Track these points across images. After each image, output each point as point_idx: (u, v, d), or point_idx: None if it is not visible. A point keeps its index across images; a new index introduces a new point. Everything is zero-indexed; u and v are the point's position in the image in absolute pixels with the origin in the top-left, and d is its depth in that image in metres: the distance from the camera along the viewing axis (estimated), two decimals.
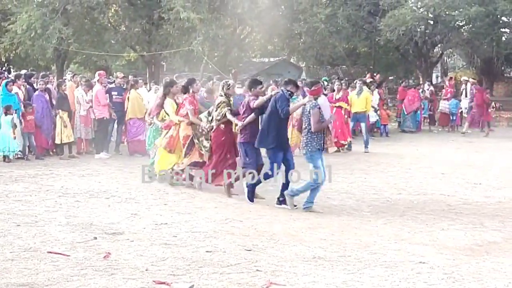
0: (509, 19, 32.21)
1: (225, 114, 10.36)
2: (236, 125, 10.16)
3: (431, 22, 30.78)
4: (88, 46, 28.38)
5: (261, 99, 9.88)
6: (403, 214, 9.36)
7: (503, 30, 32.71)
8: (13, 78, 15.74)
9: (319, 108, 9.21)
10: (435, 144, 19.57)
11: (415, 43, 30.48)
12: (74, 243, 7.18)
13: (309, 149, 9.27)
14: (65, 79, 17.55)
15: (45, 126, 14.61)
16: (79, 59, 32.79)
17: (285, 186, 9.65)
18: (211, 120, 10.59)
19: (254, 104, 9.87)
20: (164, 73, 30.39)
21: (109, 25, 30.33)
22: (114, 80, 17.20)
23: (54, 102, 15.12)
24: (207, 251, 6.98)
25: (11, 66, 31.83)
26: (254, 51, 38.34)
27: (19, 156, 14.23)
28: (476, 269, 6.56)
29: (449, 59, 45.73)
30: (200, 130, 10.74)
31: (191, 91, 11.23)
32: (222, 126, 10.48)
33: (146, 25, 28.06)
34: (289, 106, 9.55)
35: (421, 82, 28.57)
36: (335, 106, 16.46)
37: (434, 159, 15.65)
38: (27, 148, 14.44)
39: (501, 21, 31.70)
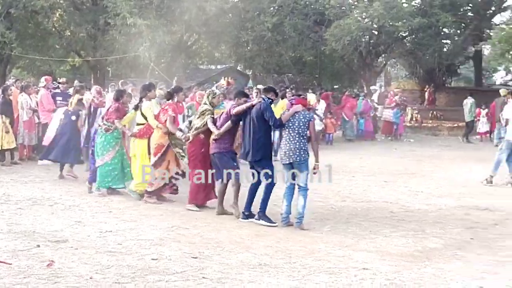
0: (450, 31, 33.12)
1: (205, 123, 9.87)
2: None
3: (376, 33, 31.32)
4: (32, 51, 27.93)
5: (241, 106, 9.44)
6: (347, 221, 9.51)
7: (444, 41, 33.57)
8: None
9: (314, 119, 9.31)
10: (378, 152, 19.89)
11: (360, 53, 30.93)
12: (16, 251, 7.06)
13: (307, 155, 9.01)
14: (10, 84, 17.17)
15: None
16: (22, 63, 32.20)
17: (252, 200, 9.31)
18: (191, 129, 10.14)
19: (233, 111, 9.48)
20: (109, 79, 30.04)
21: (53, 29, 29.84)
22: (59, 85, 16.92)
23: None
24: (152, 259, 6.96)
25: None
26: (201, 58, 38.30)
27: None
28: (417, 275, 6.72)
29: (393, 69, 46.64)
30: (184, 141, 10.19)
31: (175, 99, 10.80)
32: (202, 136, 9.97)
33: (92, 30, 27.72)
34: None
35: (365, 91, 28.98)
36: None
37: (377, 167, 15.92)
38: None
39: (442, 33, 32.56)
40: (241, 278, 6.36)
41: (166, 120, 10.35)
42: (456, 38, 33.09)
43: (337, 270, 6.81)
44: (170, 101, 10.75)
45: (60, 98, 15.59)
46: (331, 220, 9.59)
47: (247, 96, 10.03)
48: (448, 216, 10.11)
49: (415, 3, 31.10)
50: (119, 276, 6.24)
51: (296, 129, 9.00)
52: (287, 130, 9.10)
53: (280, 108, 15.54)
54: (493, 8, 33.80)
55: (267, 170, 9.11)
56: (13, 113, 14.68)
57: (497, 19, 35.28)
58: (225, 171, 9.43)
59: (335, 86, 40.53)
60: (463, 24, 33.80)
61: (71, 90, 16.15)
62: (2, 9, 24.78)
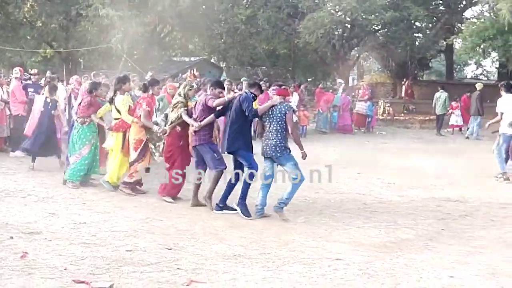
0: (422, 25, 33.41)
1: (179, 116, 9.79)
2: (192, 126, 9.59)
3: (348, 26, 31.52)
4: (3, 42, 27.61)
5: (222, 99, 9.40)
6: (321, 213, 9.59)
7: (416, 35, 33.87)
8: None
9: (293, 110, 9.27)
10: (351, 145, 20.04)
11: (333, 46, 31.09)
12: None
13: (286, 150, 8.97)
14: None
15: None
16: None
17: (229, 193, 9.33)
18: (167, 123, 10.08)
19: (214, 103, 9.34)
20: (81, 70, 29.84)
21: (24, 20, 29.57)
22: (30, 77, 16.74)
23: None
24: (127, 250, 6.96)
25: None
26: (174, 50, 38.27)
27: None
28: (389, 265, 6.81)
29: (365, 62, 46.97)
30: (159, 135, 10.16)
31: (150, 92, 10.71)
32: (178, 128, 9.87)
33: (64, 21, 27.55)
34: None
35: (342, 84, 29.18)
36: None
37: (350, 160, 16.04)
38: None
39: (414, 26, 32.86)
40: (215, 269, 6.40)
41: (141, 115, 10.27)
42: (428, 32, 33.42)
43: (310, 261, 6.87)
44: (145, 94, 10.62)
45: (32, 90, 15.41)
46: (305, 211, 9.66)
47: (222, 87, 9.99)
48: (420, 208, 10.24)
49: None
50: (94, 268, 6.23)
51: (274, 123, 9.01)
52: (266, 123, 9.14)
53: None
54: (464, 2, 34.19)
55: (245, 158, 9.13)
56: None
57: (468, 13, 35.82)
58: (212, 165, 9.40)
59: (308, 79, 40.71)
60: (434, 18, 34.18)
61: (42, 81, 16.06)
62: None
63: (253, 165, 9.08)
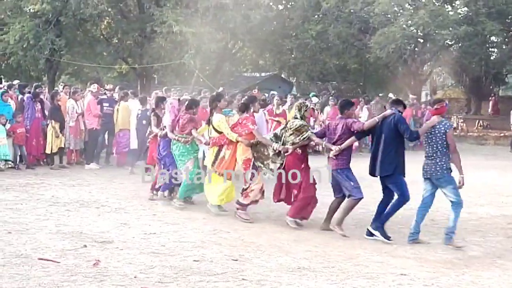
0: (497, 39, 32.67)
1: (307, 138, 9.42)
2: (329, 150, 9.11)
3: (421, 41, 31.13)
4: (80, 58, 28.61)
5: (373, 120, 8.98)
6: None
7: (491, 49, 33.15)
8: (6, 88, 15.88)
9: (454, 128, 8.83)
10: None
11: (405, 61, 30.77)
12: (64, 250, 7.34)
13: (447, 171, 8.64)
14: (58, 90, 17.68)
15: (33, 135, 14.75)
16: (70, 70, 33.01)
17: (380, 215, 8.91)
18: (282, 144, 9.53)
19: (365, 125, 8.94)
20: (155, 86, 30.56)
21: (101, 37, 30.59)
22: (106, 92, 17.34)
23: (46, 112, 15.23)
24: (194, 260, 7.15)
25: (1, 76, 31.93)
26: (245, 66, 38.71)
27: (10, 165, 14.32)
28: (455, 282, 6.76)
29: (438, 77, 46.18)
30: (266, 153, 9.66)
31: (251, 109, 10.23)
32: (299, 151, 9.49)
33: (139, 38, 28.31)
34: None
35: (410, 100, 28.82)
36: (275, 121, 15.49)
37: (420, 175, 15.79)
38: (18, 157, 14.56)
39: (489, 41, 32.14)
40: (280, 281, 6.50)
41: (245, 135, 9.80)
42: (504, 47, 32.60)
43: (375, 275, 6.89)
44: (246, 113, 10.12)
45: (107, 104, 15.98)
46: None
47: (352, 104, 9.59)
48: (489, 225, 10.07)
49: (461, 11, 30.83)
50: (162, 276, 6.45)
51: (433, 143, 8.61)
52: (426, 143, 8.74)
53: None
54: None
55: (397, 185, 8.78)
56: (63, 118, 15.07)
57: None
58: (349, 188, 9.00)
59: (380, 94, 40.36)
60: (511, 32, 33.33)
61: (116, 96, 16.60)
62: (52, 17, 25.47)
63: (405, 195, 8.78)
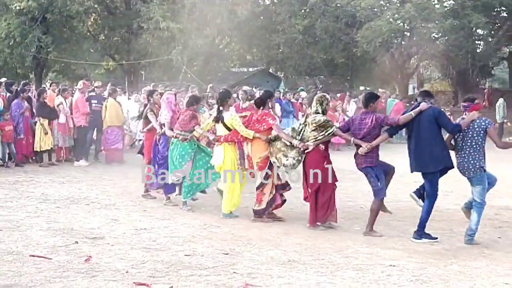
0: (483, 32, 32.88)
1: (331, 133, 9.02)
2: (359, 146, 8.69)
3: (407, 34, 31.29)
4: (67, 55, 28.52)
5: (408, 115, 8.52)
6: (376, 221, 9.59)
7: (477, 42, 33.36)
8: None
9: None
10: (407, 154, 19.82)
11: (392, 55, 30.92)
12: (56, 247, 7.37)
13: (481, 170, 8.36)
14: (45, 87, 17.65)
15: (21, 134, 14.70)
16: (57, 67, 32.86)
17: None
18: (300, 139, 9.14)
19: (400, 120, 8.61)
20: (143, 82, 30.55)
21: (88, 33, 30.52)
22: (94, 89, 17.32)
23: (34, 110, 15.22)
24: (185, 255, 7.20)
25: None
26: (233, 61, 38.70)
27: None
28: (443, 272, 6.84)
29: (425, 71, 46.36)
30: (279, 146, 9.28)
31: (269, 105, 9.87)
32: (322, 147, 9.09)
33: (125, 34, 28.30)
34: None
35: (397, 93, 28.99)
36: (241, 116, 15.14)
37: (407, 168, 15.90)
38: (6, 155, 14.52)
39: (475, 34, 32.34)
40: (270, 274, 6.56)
41: (264, 130, 9.47)
42: (490, 39, 32.81)
43: (364, 267, 6.97)
44: (262, 108, 9.73)
45: (96, 101, 15.97)
46: (360, 219, 9.69)
47: (377, 97, 9.17)
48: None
49: (447, 4, 31.01)
50: (154, 271, 6.49)
51: (470, 139, 8.35)
52: (458, 139, 8.49)
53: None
54: None
55: (432, 185, 8.53)
56: (51, 114, 15.03)
57: None
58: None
59: (367, 88, 40.50)
60: (496, 25, 33.55)
61: (105, 93, 16.60)
62: (38, 14, 25.39)
63: (436, 196, 8.54)
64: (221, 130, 9.88)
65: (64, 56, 28.83)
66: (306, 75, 38.86)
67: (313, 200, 9.01)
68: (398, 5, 29.55)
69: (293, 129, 9.42)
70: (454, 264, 7.19)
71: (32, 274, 6.21)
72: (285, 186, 9.63)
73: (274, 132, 9.44)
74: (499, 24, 33.70)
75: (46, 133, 14.62)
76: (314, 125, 9.02)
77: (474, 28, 30.95)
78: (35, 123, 14.85)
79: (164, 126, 10.70)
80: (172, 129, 10.44)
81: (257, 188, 9.51)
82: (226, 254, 7.33)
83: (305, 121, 9.34)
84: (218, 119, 9.88)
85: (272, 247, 7.76)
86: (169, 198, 10.60)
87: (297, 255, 7.42)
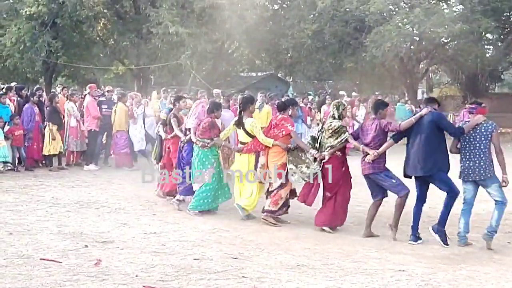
0: (492, 36, 32.78)
1: (345, 140, 9.15)
2: (366, 153, 8.83)
3: (416, 39, 31.20)
4: (77, 59, 28.57)
5: (409, 120, 8.69)
6: (385, 226, 9.59)
7: (487, 47, 33.23)
8: (4, 90, 15.93)
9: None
10: None
11: (401, 59, 30.85)
12: (66, 250, 7.42)
13: (490, 171, 8.37)
14: (56, 92, 17.75)
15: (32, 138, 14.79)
16: (67, 72, 32.94)
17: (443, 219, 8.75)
18: (319, 147, 9.28)
19: (401, 126, 8.72)
20: (152, 87, 30.61)
21: (97, 38, 30.57)
22: (104, 93, 17.41)
23: (44, 115, 15.30)
24: (194, 259, 7.24)
25: None
26: (242, 66, 38.71)
27: (9, 167, 14.36)
28: (452, 277, 6.85)
29: (434, 75, 46.28)
30: (303, 158, 9.40)
31: (290, 111, 9.89)
32: (339, 153, 9.25)
33: (135, 39, 28.31)
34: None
35: (406, 98, 28.94)
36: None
37: None
38: (17, 159, 14.60)
39: (485, 38, 32.25)
40: (279, 278, 6.58)
41: (282, 136, 9.61)
42: (499, 44, 32.70)
43: (373, 272, 6.98)
44: (282, 113, 9.85)
45: (106, 106, 16.04)
46: None
47: (387, 105, 9.34)
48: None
49: (456, 9, 30.91)
50: (163, 275, 6.53)
51: (477, 143, 8.39)
52: (465, 143, 8.51)
53: (265, 114, 14.40)
54: None
55: (444, 182, 8.60)
56: (61, 120, 15.13)
57: None
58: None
59: (376, 93, 40.45)
60: (506, 30, 33.44)
61: (115, 98, 16.68)
62: (48, 19, 25.46)
63: (454, 190, 8.60)
64: (242, 136, 10.03)
65: (74, 60, 28.87)
66: (314, 80, 38.85)
67: (332, 203, 9.26)
68: (407, 9, 29.41)
69: (312, 137, 9.58)
70: (463, 269, 7.20)
71: (42, 277, 6.26)
72: (294, 193, 9.74)
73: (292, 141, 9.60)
74: (508, 29, 33.53)
75: (54, 139, 14.63)
76: (330, 131, 9.17)
77: (483, 33, 30.79)
78: (45, 127, 14.90)
79: (190, 132, 10.70)
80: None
81: (271, 192, 9.64)
82: (235, 258, 7.36)
83: (321, 128, 9.45)
84: (239, 124, 10.00)
85: (281, 252, 7.78)
86: (184, 200, 10.59)
87: (306, 259, 7.44)
